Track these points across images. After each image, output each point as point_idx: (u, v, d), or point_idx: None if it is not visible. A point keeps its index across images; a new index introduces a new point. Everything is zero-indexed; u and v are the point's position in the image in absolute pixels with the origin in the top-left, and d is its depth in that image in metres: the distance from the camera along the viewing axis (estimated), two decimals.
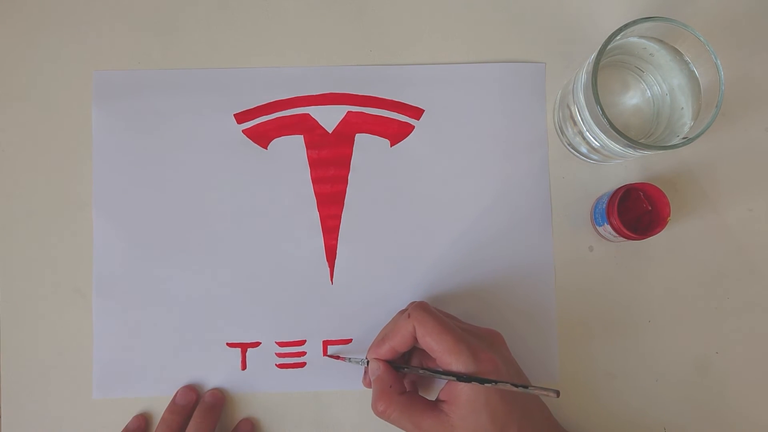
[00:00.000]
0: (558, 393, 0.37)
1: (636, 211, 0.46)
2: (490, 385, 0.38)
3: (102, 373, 0.47)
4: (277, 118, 0.49)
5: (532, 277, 0.48)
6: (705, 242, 0.49)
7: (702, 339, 0.48)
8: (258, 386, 0.47)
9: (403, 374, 0.43)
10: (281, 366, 0.48)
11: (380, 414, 0.40)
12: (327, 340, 0.48)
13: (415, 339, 0.40)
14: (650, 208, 0.46)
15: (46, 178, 0.48)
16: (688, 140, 0.40)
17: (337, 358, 0.47)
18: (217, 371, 0.47)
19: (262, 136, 0.49)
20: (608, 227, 0.45)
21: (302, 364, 0.48)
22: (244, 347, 0.48)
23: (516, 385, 0.38)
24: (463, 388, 0.38)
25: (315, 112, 0.49)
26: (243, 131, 0.49)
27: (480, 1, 0.50)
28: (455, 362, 0.38)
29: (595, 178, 0.49)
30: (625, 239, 0.46)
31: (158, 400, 0.47)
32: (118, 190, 0.48)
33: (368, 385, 0.44)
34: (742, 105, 0.49)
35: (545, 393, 0.37)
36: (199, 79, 0.49)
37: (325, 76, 0.49)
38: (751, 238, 0.49)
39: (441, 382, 0.43)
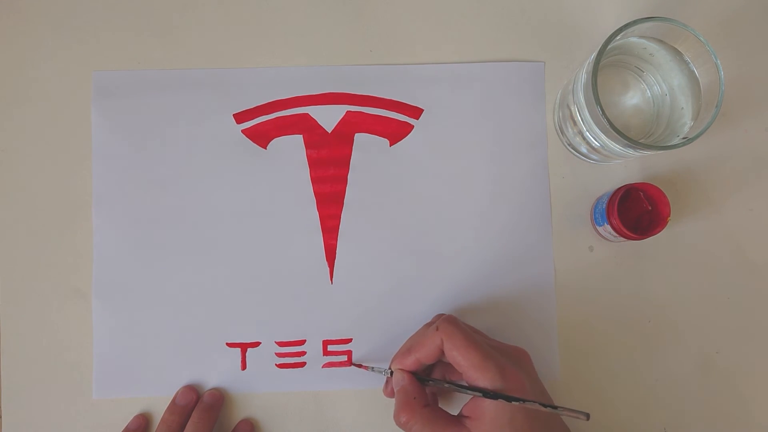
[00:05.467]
0: (588, 416, 0.36)
1: (636, 211, 0.46)
2: (518, 403, 0.37)
3: (102, 373, 0.47)
4: (276, 117, 0.49)
5: (532, 277, 0.48)
6: (705, 242, 0.49)
7: (702, 339, 0.48)
8: (258, 386, 0.47)
9: (427, 386, 0.42)
10: (281, 366, 0.48)
11: (402, 425, 0.39)
12: (327, 340, 0.48)
13: (442, 352, 0.40)
14: (650, 208, 0.46)
15: (46, 178, 0.48)
16: (688, 140, 0.40)
17: (360, 366, 0.47)
18: (216, 371, 0.47)
19: (261, 136, 0.49)
20: (608, 227, 0.45)
21: (302, 364, 0.48)
22: (243, 347, 0.48)
23: (545, 406, 0.37)
24: (488, 404, 0.38)
25: (314, 111, 0.49)
26: (242, 131, 0.49)
27: (480, 1, 0.50)
28: (482, 378, 0.38)
29: (595, 178, 0.49)
30: (625, 239, 0.46)
31: (158, 400, 0.47)
32: (118, 190, 0.48)
33: (389, 395, 0.44)
34: (742, 105, 0.49)
35: (575, 415, 0.36)
36: (198, 79, 0.49)
37: (325, 76, 0.49)
38: (751, 238, 0.49)
39: (461, 397, 0.43)
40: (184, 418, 0.45)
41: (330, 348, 0.48)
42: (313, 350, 0.48)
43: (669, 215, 0.45)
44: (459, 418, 0.39)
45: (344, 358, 0.48)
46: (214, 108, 0.49)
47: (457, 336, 0.39)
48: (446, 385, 0.41)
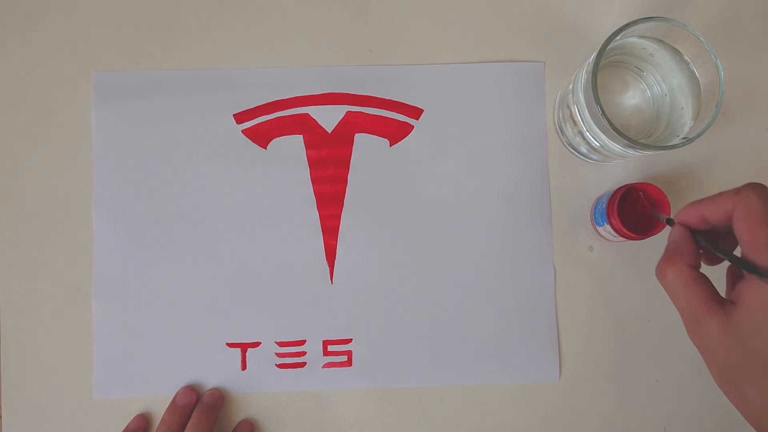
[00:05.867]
0: None
1: (636, 211, 0.46)
2: None
3: (102, 373, 0.47)
4: (276, 117, 0.49)
5: (532, 277, 0.48)
6: None
7: None
8: (258, 386, 0.47)
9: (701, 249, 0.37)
10: (281, 366, 0.48)
11: (660, 272, 0.36)
12: (327, 340, 0.48)
13: (730, 218, 0.34)
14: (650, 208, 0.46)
15: (46, 178, 0.48)
16: (688, 140, 0.40)
17: (648, 205, 0.43)
18: (216, 371, 0.47)
19: (261, 136, 0.49)
20: (608, 227, 0.45)
21: (302, 364, 0.48)
22: (244, 347, 0.48)
23: None
24: (759, 290, 0.32)
25: (314, 111, 0.49)
26: (242, 131, 0.49)
27: (480, 1, 0.50)
28: (762, 257, 0.32)
29: (595, 178, 0.49)
30: (625, 239, 0.45)
31: (158, 400, 0.47)
32: (118, 190, 0.48)
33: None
34: (742, 105, 0.49)
35: None
36: (198, 79, 0.49)
37: (325, 76, 0.49)
38: None
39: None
40: (184, 418, 0.45)
41: (330, 348, 0.48)
42: (313, 350, 0.48)
43: (669, 215, 0.45)
44: (720, 299, 0.34)
45: (344, 358, 0.48)
46: (214, 108, 0.49)
47: (754, 206, 0.33)
48: (719, 253, 0.35)
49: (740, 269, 0.34)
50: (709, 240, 0.37)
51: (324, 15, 0.50)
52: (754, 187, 0.34)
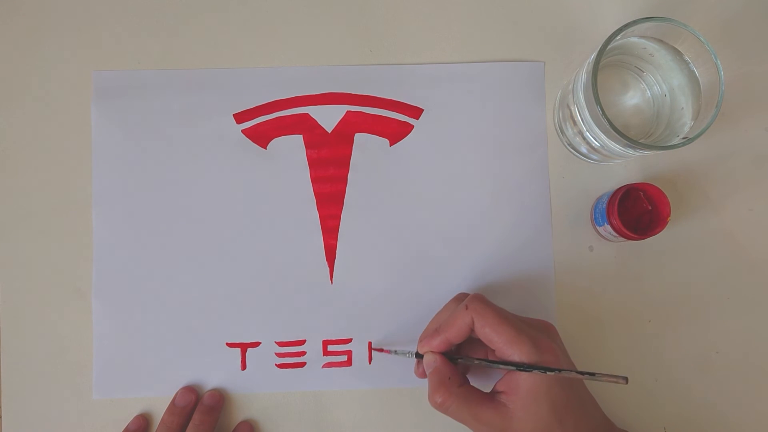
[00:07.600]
0: (626, 380, 0.36)
1: (636, 211, 0.46)
2: (553, 373, 0.37)
3: (102, 373, 0.47)
4: (276, 117, 0.49)
5: (532, 277, 0.48)
6: (705, 242, 0.49)
7: (702, 339, 0.48)
8: (258, 386, 0.47)
9: (457, 365, 0.42)
10: (281, 366, 0.48)
11: (438, 406, 0.39)
12: (327, 340, 0.48)
13: (471, 330, 0.40)
14: (650, 208, 0.46)
15: (46, 178, 0.48)
16: (688, 140, 0.40)
17: (382, 350, 0.47)
18: (216, 371, 0.47)
19: (261, 136, 0.49)
20: (608, 227, 0.45)
21: (302, 364, 0.48)
22: (243, 347, 0.48)
23: (582, 373, 0.38)
24: (525, 377, 0.38)
25: (314, 111, 0.49)
26: (242, 131, 0.49)
27: (480, 1, 0.50)
28: (517, 352, 0.38)
29: (595, 178, 0.49)
30: (625, 239, 0.46)
31: (158, 400, 0.47)
32: (118, 190, 0.48)
33: (421, 376, 0.43)
34: (742, 105, 0.49)
35: (614, 380, 0.36)
36: (198, 79, 0.49)
37: (325, 76, 0.49)
38: (751, 238, 0.49)
39: (490, 377, 0.44)
40: (184, 419, 0.45)
41: (330, 348, 0.48)
42: (313, 350, 0.48)
43: (669, 215, 0.45)
44: (494, 395, 0.40)
45: (344, 358, 0.48)
46: (214, 108, 0.49)
47: (488, 313, 0.39)
48: (476, 362, 0.41)
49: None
50: (461, 355, 0.42)
51: (324, 15, 0.50)
52: (478, 299, 0.40)
